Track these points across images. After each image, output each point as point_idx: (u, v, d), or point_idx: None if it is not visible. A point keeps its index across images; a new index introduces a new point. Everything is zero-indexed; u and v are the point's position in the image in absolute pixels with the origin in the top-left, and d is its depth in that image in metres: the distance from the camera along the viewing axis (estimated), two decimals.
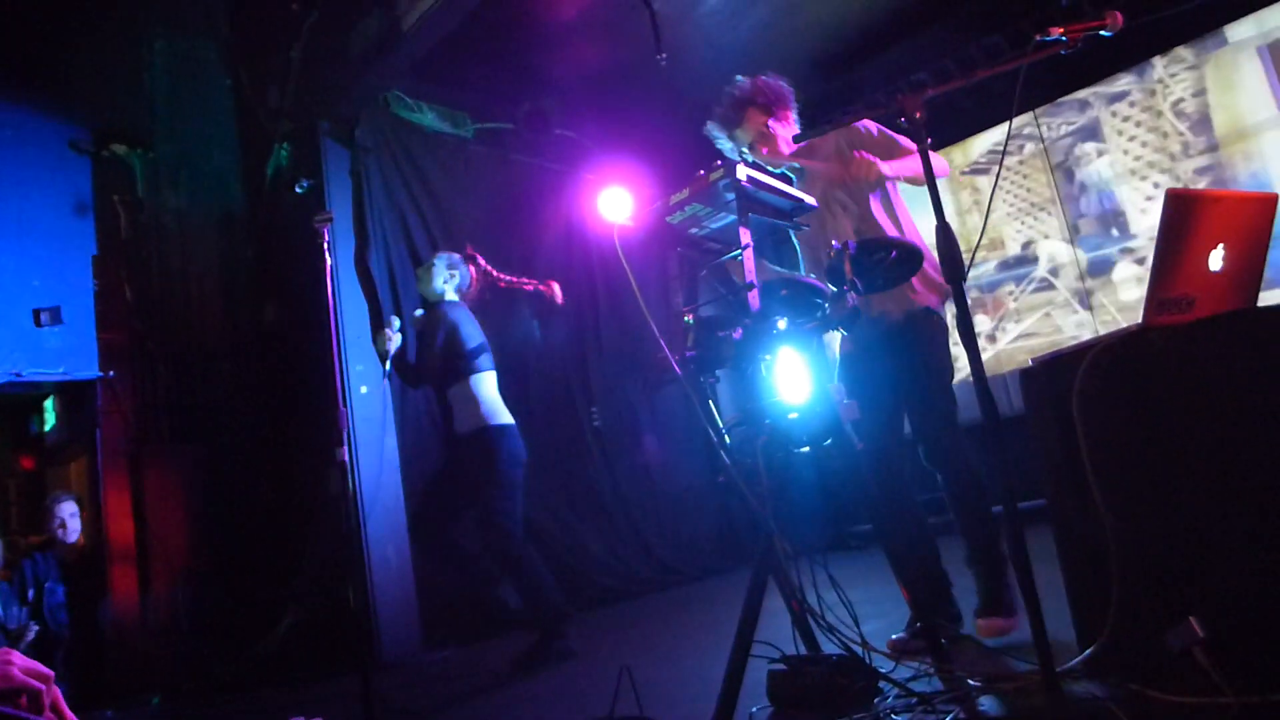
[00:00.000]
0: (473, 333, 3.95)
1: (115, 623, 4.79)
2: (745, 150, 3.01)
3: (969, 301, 2.12)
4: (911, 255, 2.36)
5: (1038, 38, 2.01)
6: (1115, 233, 6.18)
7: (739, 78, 3.03)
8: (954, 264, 1.89)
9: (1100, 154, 6.21)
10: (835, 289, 2.27)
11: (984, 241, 6.64)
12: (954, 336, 2.66)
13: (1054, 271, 6.44)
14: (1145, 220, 6.01)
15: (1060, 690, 1.66)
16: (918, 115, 2.00)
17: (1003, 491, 1.80)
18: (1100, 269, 6.23)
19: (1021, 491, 1.84)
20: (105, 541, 4.96)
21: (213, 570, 5.22)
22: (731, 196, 2.24)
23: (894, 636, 2.61)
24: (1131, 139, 6.10)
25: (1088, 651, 1.78)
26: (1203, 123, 5.79)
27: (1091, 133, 6.25)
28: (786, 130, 3.00)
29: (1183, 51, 5.81)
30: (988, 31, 6.03)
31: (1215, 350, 1.72)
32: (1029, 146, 6.54)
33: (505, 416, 3.91)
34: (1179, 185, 5.82)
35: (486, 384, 3.92)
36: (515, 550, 3.71)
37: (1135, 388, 1.79)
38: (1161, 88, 5.92)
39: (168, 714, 4.34)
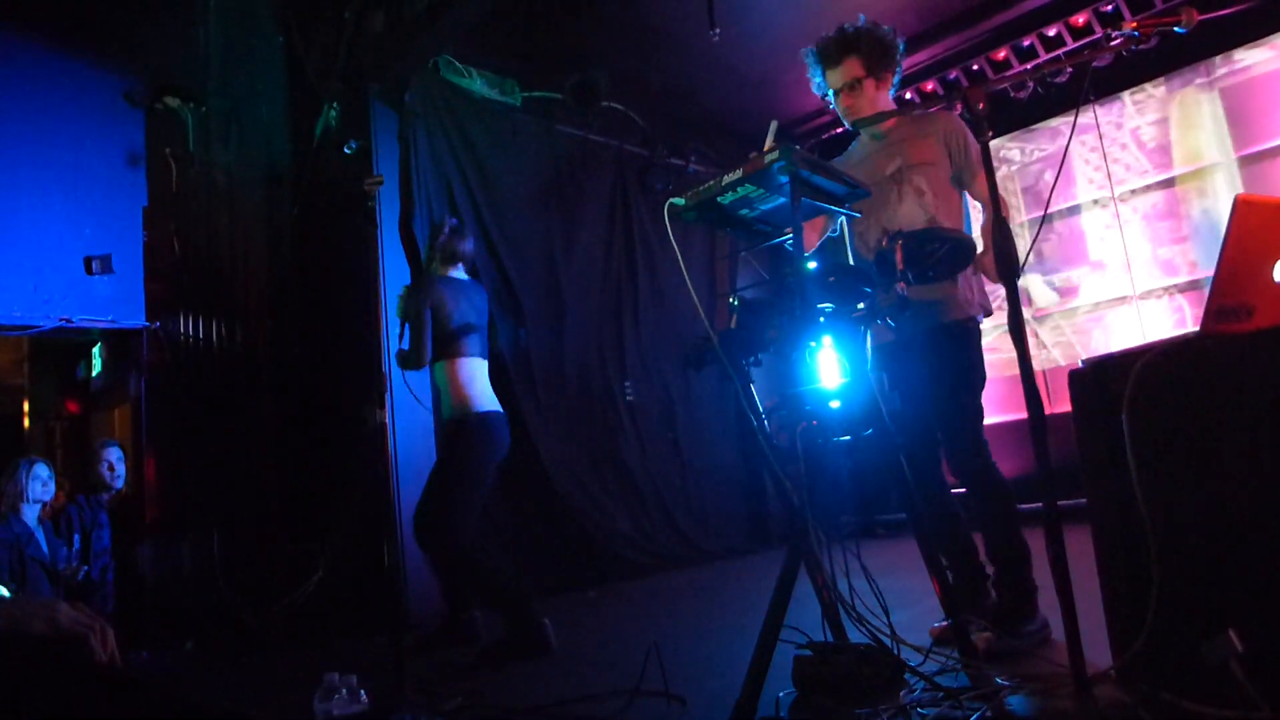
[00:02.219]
0: (466, 310, 3.67)
1: (153, 568, 4.93)
2: (829, 93, 2.94)
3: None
4: (963, 250, 2.34)
5: (1111, 31, 1.97)
6: (1075, 258, 6.63)
7: (861, 17, 2.93)
8: (1009, 261, 1.88)
9: (1066, 179, 6.60)
10: (885, 278, 2.26)
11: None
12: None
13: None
14: (1103, 247, 6.48)
15: (1091, 695, 1.66)
16: (980, 106, 1.97)
17: (1044, 492, 1.80)
18: (1061, 293, 6.72)
19: (1061, 489, 1.84)
20: (144, 489, 5.09)
21: (248, 522, 5.34)
22: (785, 179, 2.23)
23: (936, 625, 2.61)
24: (1097, 169, 6.53)
25: (1123, 658, 1.78)
26: (1163, 158, 6.19)
27: (1059, 161, 6.62)
28: (880, 92, 2.91)
29: (1150, 89, 6.24)
30: (1044, 24, 5.94)
31: (1273, 362, 1.69)
32: (1002, 169, 6.84)
33: (492, 403, 3.66)
34: (1136, 215, 6.33)
35: (474, 368, 3.65)
36: (456, 547, 3.39)
37: (1188, 395, 1.77)
38: (1128, 122, 6.31)
39: (200, 660, 4.46)
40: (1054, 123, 6.66)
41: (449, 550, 3.41)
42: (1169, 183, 6.15)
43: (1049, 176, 6.70)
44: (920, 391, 2.85)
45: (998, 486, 2.72)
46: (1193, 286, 6.00)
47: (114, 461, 5.00)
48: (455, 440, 3.54)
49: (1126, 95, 6.31)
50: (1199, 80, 6.01)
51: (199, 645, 4.73)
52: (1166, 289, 6.15)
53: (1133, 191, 6.33)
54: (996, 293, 2.73)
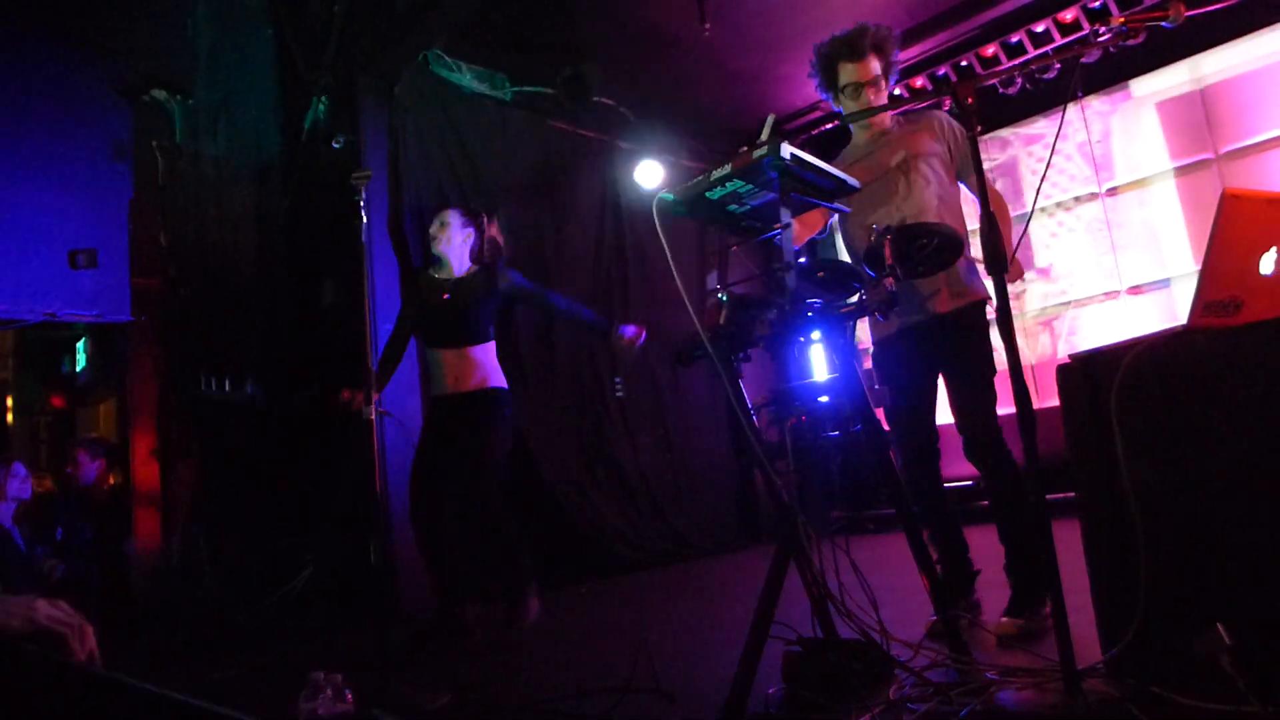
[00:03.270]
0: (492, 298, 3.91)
1: (138, 565, 4.89)
2: (840, 89, 2.98)
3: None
4: (952, 243, 2.34)
5: (1099, 27, 1.97)
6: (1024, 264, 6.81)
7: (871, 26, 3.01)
8: (996, 256, 1.87)
9: (1015, 190, 6.79)
10: (874, 273, 2.26)
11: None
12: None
13: None
14: (1049, 254, 6.69)
15: (1080, 689, 1.66)
16: (969, 101, 1.97)
17: (1026, 495, 1.80)
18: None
19: (1051, 483, 1.85)
20: (131, 485, 5.05)
21: (234, 518, 5.31)
22: (774, 174, 2.22)
23: (933, 618, 2.63)
24: (1044, 179, 6.79)
25: (1111, 651, 1.78)
26: (1106, 168, 6.40)
27: (1008, 169, 6.86)
28: (884, 93, 3.00)
29: (1093, 101, 6.43)
30: (1033, 20, 5.96)
31: (1261, 355, 1.69)
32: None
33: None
34: (1081, 224, 6.54)
35: (493, 351, 3.91)
36: (509, 520, 3.70)
37: (1176, 389, 1.77)
38: (1073, 132, 6.50)
39: (186, 657, 4.43)
40: (1004, 133, 6.86)
41: (507, 533, 3.67)
42: (1111, 191, 6.38)
43: (999, 186, 6.61)
44: (922, 380, 2.88)
45: (1015, 471, 2.75)
46: (1136, 290, 6.24)
47: (82, 460, 4.97)
48: (475, 416, 3.75)
49: (1071, 108, 6.52)
50: (1137, 94, 6.25)
51: (185, 642, 4.70)
52: (1108, 293, 6.38)
53: (1076, 199, 6.52)
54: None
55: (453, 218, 3.97)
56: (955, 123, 2.97)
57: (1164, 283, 6.08)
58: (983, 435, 2.77)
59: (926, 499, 2.90)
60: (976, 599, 2.90)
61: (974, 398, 2.80)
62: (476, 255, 3.98)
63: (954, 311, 2.83)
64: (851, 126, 3.14)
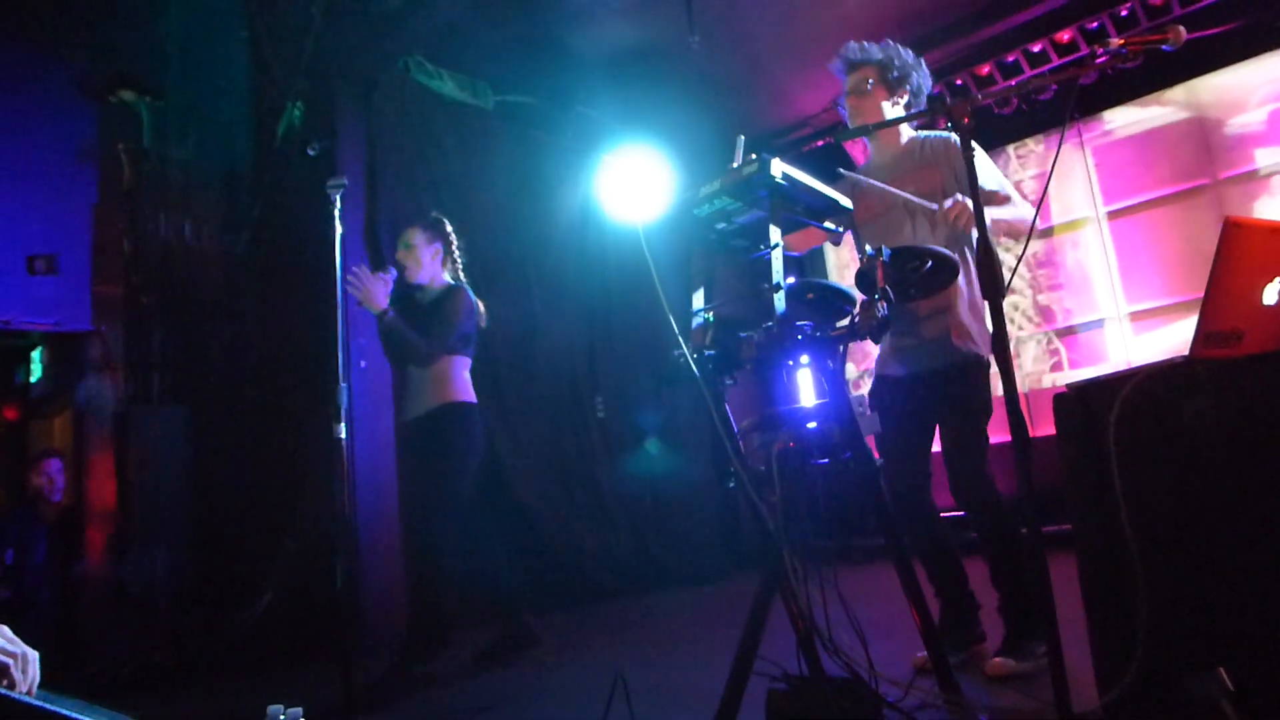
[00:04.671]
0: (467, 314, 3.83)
1: (90, 587, 4.80)
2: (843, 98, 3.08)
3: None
4: (947, 267, 2.34)
5: (1098, 48, 1.98)
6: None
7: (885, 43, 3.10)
8: (993, 282, 1.87)
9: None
10: (866, 297, 2.25)
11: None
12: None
13: None
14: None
15: None
16: (965, 121, 1.97)
17: (1027, 518, 1.79)
18: None
19: (1046, 515, 1.84)
20: (85, 502, 4.96)
21: (193, 540, 5.23)
22: (764, 193, 2.21)
23: (920, 655, 2.61)
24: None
25: (1109, 695, 1.76)
26: (1042, 210, 6.60)
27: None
28: (893, 106, 3.03)
29: (1031, 143, 6.81)
30: (1031, 38, 6.03)
31: (1263, 388, 1.69)
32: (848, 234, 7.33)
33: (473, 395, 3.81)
34: (1014, 260, 6.81)
35: (464, 367, 3.83)
36: (450, 551, 3.59)
37: (1176, 420, 1.76)
38: (1012, 172, 6.79)
39: (139, 687, 4.35)
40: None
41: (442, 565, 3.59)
42: (1046, 232, 6.67)
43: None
44: (915, 421, 2.91)
45: (1002, 512, 2.77)
46: (1070, 332, 6.50)
47: (54, 474, 4.88)
48: (436, 434, 3.68)
49: (1010, 148, 6.87)
50: (1072, 138, 6.55)
51: (136, 671, 4.61)
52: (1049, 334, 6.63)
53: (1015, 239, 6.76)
54: None
55: (417, 238, 3.88)
56: (959, 153, 2.95)
57: (1097, 323, 6.37)
58: (970, 481, 2.79)
59: (917, 532, 2.90)
60: (980, 632, 2.90)
61: (965, 446, 2.82)
62: (447, 259, 3.96)
63: (958, 363, 2.84)
64: (867, 141, 3.17)
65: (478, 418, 3.78)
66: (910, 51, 3.06)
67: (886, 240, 2.89)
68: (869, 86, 3.00)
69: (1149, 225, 6.18)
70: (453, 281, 3.93)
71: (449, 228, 3.98)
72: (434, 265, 3.89)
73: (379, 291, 3.51)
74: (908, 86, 3.04)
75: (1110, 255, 6.34)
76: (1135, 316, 6.22)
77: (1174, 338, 5.92)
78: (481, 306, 3.92)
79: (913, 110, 3.06)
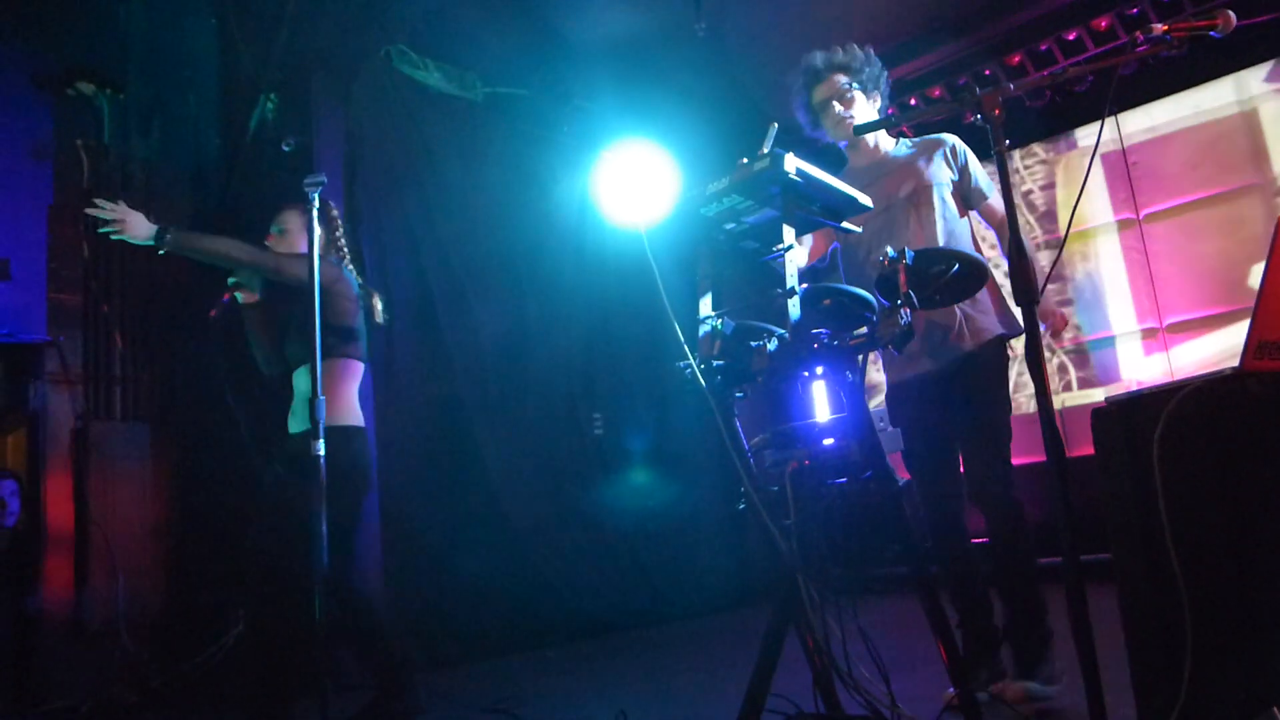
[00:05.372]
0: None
1: (45, 619, 4.78)
2: (816, 112, 3.13)
3: None
4: (976, 270, 2.34)
5: (1140, 35, 1.99)
6: None
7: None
8: (1027, 286, 1.87)
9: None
10: (887, 303, 2.25)
11: None
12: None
13: None
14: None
15: None
16: (996, 113, 1.98)
17: (1065, 542, 1.78)
18: None
19: (1082, 543, 1.83)
20: (41, 527, 4.95)
21: (157, 567, 5.21)
22: (777, 190, 2.22)
23: (951, 691, 2.60)
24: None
25: None
26: (1049, 218, 6.75)
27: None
28: (871, 107, 3.11)
29: (1038, 149, 6.84)
30: (1066, 26, 6.04)
31: None
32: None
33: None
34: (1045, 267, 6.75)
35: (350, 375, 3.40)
36: (362, 592, 3.35)
37: (1226, 438, 1.76)
38: (1018, 179, 6.83)
39: None
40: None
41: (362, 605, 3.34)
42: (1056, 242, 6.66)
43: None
44: (942, 425, 2.92)
45: (1020, 515, 2.79)
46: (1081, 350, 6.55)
47: (5, 497, 4.86)
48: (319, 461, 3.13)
49: (1016, 154, 6.89)
50: (1084, 144, 6.64)
51: (96, 708, 4.59)
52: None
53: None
54: None
55: (292, 220, 3.52)
56: (965, 145, 3.06)
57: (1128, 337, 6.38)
58: (991, 478, 2.81)
59: (949, 551, 2.92)
60: (1002, 668, 2.89)
61: (984, 439, 2.85)
62: (330, 246, 3.58)
63: (970, 353, 2.87)
64: (843, 148, 3.22)
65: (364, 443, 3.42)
66: (876, 58, 3.17)
67: (882, 242, 2.90)
68: (851, 90, 3.06)
69: (1183, 231, 6.16)
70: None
71: (334, 210, 3.63)
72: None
73: (137, 218, 3.11)
74: (878, 90, 3.14)
75: (1122, 266, 6.36)
76: (1148, 334, 6.25)
77: (1195, 354, 5.92)
78: (378, 302, 3.59)
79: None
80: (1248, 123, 5.96)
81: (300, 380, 3.37)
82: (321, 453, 2.86)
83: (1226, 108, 6.03)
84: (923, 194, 2.96)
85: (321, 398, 2.91)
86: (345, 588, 3.28)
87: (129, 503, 5.21)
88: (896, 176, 3.03)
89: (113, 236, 3.12)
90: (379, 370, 5.25)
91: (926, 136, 3.12)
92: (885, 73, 3.17)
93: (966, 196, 3.04)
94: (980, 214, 3.09)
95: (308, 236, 3.04)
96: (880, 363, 3.28)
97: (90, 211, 3.08)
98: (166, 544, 5.28)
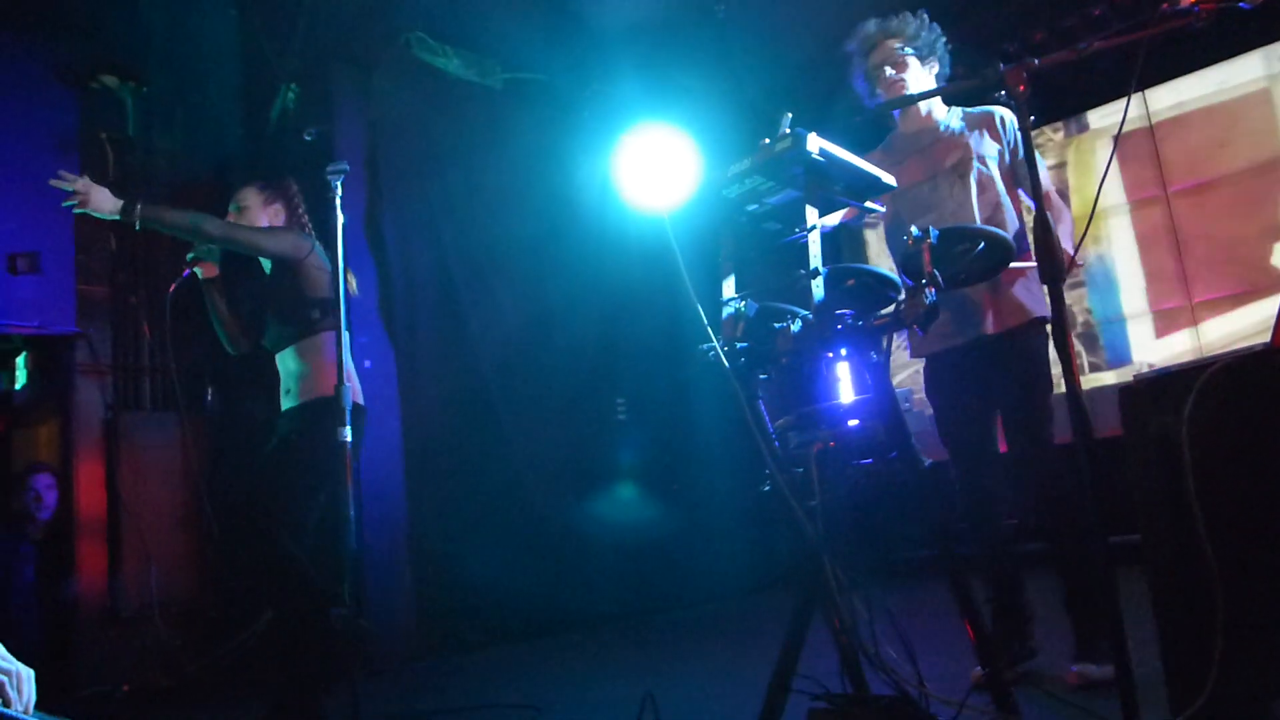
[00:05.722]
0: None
1: (81, 606, 4.86)
2: (872, 80, 3.09)
3: None
4: (1001, 249, 2.32)
5: (1165, 7, 1.96)
6: None
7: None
8: (1053, 263, 1.85)
9: None
10: (911, 282, 2.23)
11: None
12: None
13: None
14: None
15: None
16: (1021, 89, 1.96)
17: (1090, 524, 1.77)
18: None
19: (1111, 523, 1.82)
20: (74, 516, 5.02)
21: (189, 554, 5.28)
22: (800, 170, 2.20)
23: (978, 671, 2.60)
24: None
25: (1180, 716, 1.74)
26: (1061, 198, 6.49)
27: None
28: (928, 75, 3.08)
29: (1049, 131, 6.80)
30: (1087, 3, 5.97)
31: None
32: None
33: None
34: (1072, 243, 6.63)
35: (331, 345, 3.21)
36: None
37: (1257, 416, 1.74)
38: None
39: (134, 709, 4.40)
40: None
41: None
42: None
43: None
44: (980, 403, 2.93)
45: (1062, 490, 2.79)
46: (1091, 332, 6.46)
47: (41, 490, 4.92)
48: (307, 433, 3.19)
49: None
50: (1095, 125, 6.55)
51: (134, 692, 4.67)
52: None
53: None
54: None
55: (251, 198, 3.46)
56: (1009, 121, 3.03)
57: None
58: (1036, 453, 2.80)
59: (982, 528, 2.92)
60: (1033, 647, 2.89)
61: (1027, 419, 2.84)
62: (293, 221, 3.52)
63: (1006, 332, 2.86)
64: (896, 114, 3.18)
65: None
66: (935, 25, 3.13)
67: (924, 213, 2.89)
68: (904, 55, 3.04)
69: (1204, 210, 6.05)
70: None
71: (294, 186, 3.56)
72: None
73: (101, 192, 3.08)
74: (936, 56, 3.10)
75: (1135, 248, 6.30)
76: (1160, 315, 6.16)
77: (1222, 330, 5.84)
78: (353, 278, 3.41)
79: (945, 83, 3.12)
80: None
81: (286, 360, 3.32)
82: (348, 437, 2.87)
83: (1254, 83, 5.92)
84: (967, 166, 2.96)
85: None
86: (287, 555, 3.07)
87: (160, 491, 5.28)
88: (944, 146, 3.02)
89: (75, 210, 3.09)
90: (402, 356, 5.29)
91: (980, 108, 3.10)
92: (943, 38, 3.13)
93: (1015, 171, 3.02)
94: (1024, 194, 3.07)
95: (325, 219, 3.02)
96: (905, 340, 3.27)
97: (53, 183, 3.04)
98: (197, 531, 5.35)
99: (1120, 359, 6.27)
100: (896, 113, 3.16)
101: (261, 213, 3.45)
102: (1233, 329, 5.74)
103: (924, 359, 3.11)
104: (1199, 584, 1.74)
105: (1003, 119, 3.03)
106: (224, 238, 3.26)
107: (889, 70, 3.03)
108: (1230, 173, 5.91)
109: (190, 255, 3.35)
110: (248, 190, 3.50)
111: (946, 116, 3.11)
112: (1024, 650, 2.88)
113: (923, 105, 3.09)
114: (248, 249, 3.30)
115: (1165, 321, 6.12)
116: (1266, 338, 1.83)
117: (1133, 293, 6.30)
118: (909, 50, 3.04)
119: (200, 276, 3.40)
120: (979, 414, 2.95)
